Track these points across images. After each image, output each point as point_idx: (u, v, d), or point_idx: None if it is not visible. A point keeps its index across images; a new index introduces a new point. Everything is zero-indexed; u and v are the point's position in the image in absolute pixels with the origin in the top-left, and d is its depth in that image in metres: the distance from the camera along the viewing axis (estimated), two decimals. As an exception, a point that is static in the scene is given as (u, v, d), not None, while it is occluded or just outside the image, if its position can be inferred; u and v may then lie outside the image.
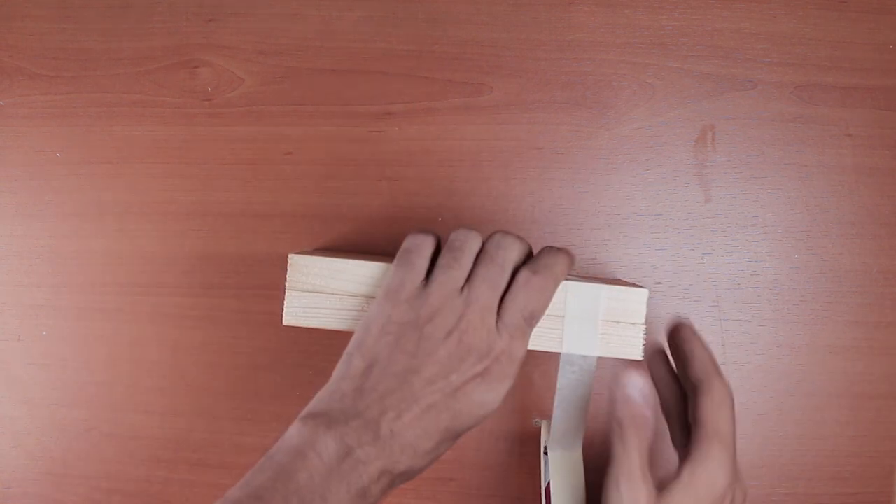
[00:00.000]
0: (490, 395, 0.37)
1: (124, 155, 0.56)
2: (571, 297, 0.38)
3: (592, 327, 0.38)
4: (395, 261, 0.40)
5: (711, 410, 0.39)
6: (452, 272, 0.38)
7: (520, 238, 0.40)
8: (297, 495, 0.34)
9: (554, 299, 0.39)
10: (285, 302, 0.41)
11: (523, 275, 0.39)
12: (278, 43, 0.56)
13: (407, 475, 0.37)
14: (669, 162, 0.55)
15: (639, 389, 0.38)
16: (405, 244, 0.40)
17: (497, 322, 0.38)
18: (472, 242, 0.40)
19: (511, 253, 0.39)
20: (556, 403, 0.40)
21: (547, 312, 0.39)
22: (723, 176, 0.55)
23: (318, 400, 0.38)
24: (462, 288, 0.38)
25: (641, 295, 0.39)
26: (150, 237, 0.56)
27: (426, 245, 0.40)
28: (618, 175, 0.55)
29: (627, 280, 0.52)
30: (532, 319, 0.38)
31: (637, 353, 0.39)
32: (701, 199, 0.55)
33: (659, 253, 0.55)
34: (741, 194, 0.55)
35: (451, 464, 0.54)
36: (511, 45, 0.55)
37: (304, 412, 0.37)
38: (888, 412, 0.54)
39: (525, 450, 0.54)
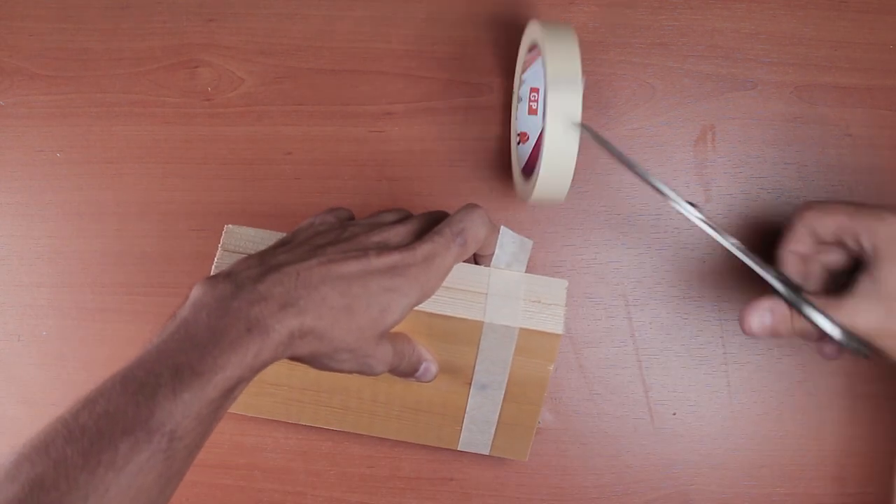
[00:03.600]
0: (397, 289, 0.38)
1: (124, 155, 0.56)
2: (494, 280, 0.43)
3: (514, 304, 0.43)
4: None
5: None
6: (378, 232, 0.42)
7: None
8: (191, 347, 0.33)
9: (477, 280, 0.44)
10: (215, 260, 0.44)
11: (466, 210, 0.42)
12: (278, 43, 0.56)
13: (322, 338, 0.37)
14: (669, 162, 0.55)
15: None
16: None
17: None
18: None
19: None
20: (477, 360, 0.45)
21: (473, 289, 0.43)
22: (723, 176, 0.55)
23: (231, 264, 0.39)
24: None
25: (561, 286, 0.44)
26: (150, 237, 0.56)
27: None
28: (618, 175, 0.55)
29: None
30: (465, 242, 0.41)
31: (558, 329, 0.43)
32: (701, 199, 0.55)
33: (659, 253, 0.55)
34: (741, 194, 0.55)
35: (450, 464, 0.54)
36: (511, 45, 0.55)
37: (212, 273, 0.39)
38: (888, 412, 0.54)
39: (525, 450, 0.54)
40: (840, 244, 0.45)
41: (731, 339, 0.54)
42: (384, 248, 0.39)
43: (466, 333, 0.43)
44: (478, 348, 0.44)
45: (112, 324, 0.56)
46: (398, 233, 0.41)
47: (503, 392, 0.46)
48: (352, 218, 0.46)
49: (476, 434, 0.49)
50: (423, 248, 0.39)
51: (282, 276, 0.36)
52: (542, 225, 0.55)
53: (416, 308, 0.40)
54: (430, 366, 0.44)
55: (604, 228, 0.55)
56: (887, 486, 0.53)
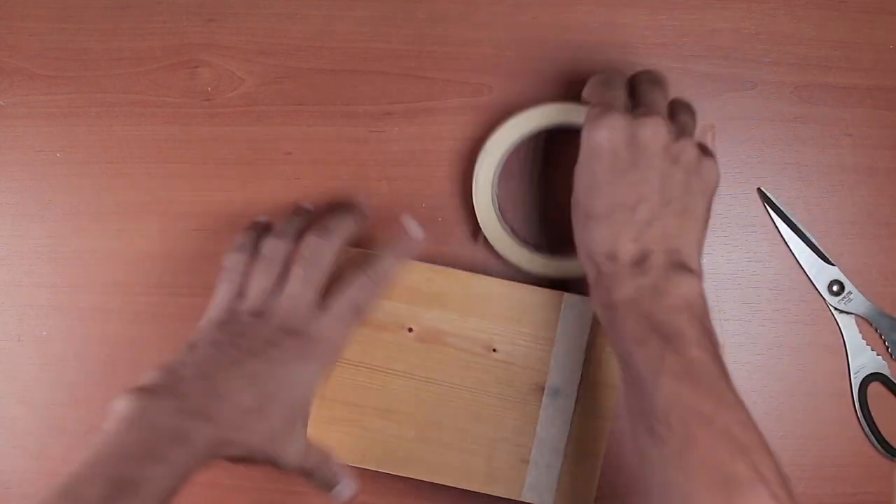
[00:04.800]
0: (306, 373, 0.43)
1: (124, 155, 0.56)
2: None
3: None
4: (219, 278, 0.47)
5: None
6: (264, 280, 0.45)
7: (333, 231, 0.46)
8: (124, 460, 0.38)
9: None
10: None
11: (359, 278, 0.45)
12: (278, 43, 0.56)
13: (236, 445, 0.41)
14: (669, 162, 0.55)
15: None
16: (225, 263, 0.47)
17: (323, 309, 0.44)
18: (283, 250, 0.46)
19: (323, 256, 0.45)
20: (556, 343, 0.49)
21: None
22: (723, 176, 0.55)
23: (149, 376, 0.42)
24: (276, 285, 0.45)
25: None
26: (150, 237, 0.56)
27: (242, 262, 0.47)
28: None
29: None
30: (359, 313, 0.45)
31: None
32: (701, 199, 0.55)
33: (659, 253, 0.54)
34: (741, 194, 0.55)
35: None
36: (511, 45, 0.55)
37: (134, 385, 0.41)
38: (888, 412, 0.54)
39: (525, 450, 0.54)
40: None
41: (731, 338, 0.54)
42: (290, 324, 0.42)
43: (548, 306, 0.48)
44: (556, 332, 0.49)
45: (112, 324, 0.56)
46: (303, 292, 0.44)
47: (573, 403, 0.49)
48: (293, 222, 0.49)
49: (541, 474, 0.49)
50: (327, 327, 0.44)
51: (194, 385, 0.40)
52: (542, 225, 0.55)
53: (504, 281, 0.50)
54: (343, 489, 0.45)
55: (604, 228, 0.55)
56: (887, 486, 0.53)
